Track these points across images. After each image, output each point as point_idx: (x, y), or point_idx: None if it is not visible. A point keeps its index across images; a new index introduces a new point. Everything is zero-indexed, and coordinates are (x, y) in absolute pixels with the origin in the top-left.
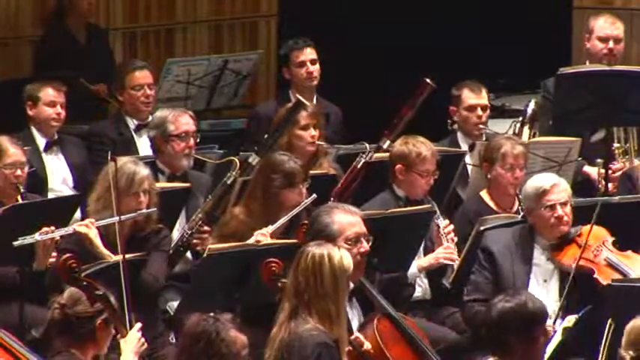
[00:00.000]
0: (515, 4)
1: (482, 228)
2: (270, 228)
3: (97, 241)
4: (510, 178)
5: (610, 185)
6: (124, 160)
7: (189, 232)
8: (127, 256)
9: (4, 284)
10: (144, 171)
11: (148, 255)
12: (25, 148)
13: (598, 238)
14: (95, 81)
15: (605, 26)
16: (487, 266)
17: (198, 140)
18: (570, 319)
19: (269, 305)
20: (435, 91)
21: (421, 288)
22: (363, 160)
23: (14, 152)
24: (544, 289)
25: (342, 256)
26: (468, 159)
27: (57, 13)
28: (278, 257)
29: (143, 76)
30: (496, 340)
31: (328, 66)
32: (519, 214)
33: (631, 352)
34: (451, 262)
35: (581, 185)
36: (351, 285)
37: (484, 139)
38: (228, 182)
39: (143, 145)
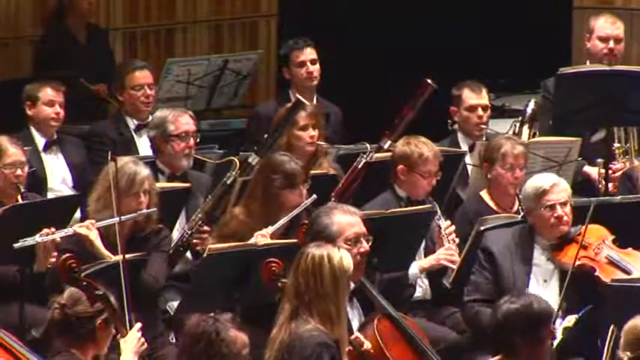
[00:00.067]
0: (515, 4)
1: (482, 228)
2: (271, 229)
3: (98, 242)
4: (510, 178)
5: (610, 185)
6: (124, 160)
7: (189, 232)
8: (127, 256)
9: (4, 284)
10: (144, 171)
11: (148, 255)
12: (25, 148)
13: (598, 236)
14: (95, 81)
15: (606, 26)
16: (487, 266)
17: (198, 140)
18: (570, 319)
19: (269, 305)
20: (435, 92)
21: (421, 288)
22: (363, 161)
23: (14, 152)
24: (544, 290)
25: (342, 257)
26: (468, 159)
27: (57, 13)
28: (278, 257)
29: (143, 76)
30: (502, 341)
31: (328, 66)
32: (519, 214)
33: (628, 353)
34: (452, 265)
35: (582, 185)
36: (352, 285)
37: (484, 139)
38: (228, 182)
39: (143, 145)
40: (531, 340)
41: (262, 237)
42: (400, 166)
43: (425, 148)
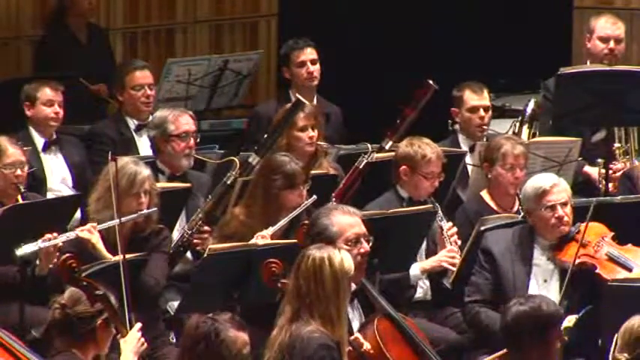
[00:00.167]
0: (515, 4)
1: (482, 228)
2: (271, 230)
3: (100, 245)
4: (511, 178)
5: (610, 185)
6: (125, 161)
7: (190, 232)
8: (127, 256)
9: (4, 284)
10: (145, 171)
11: (148, 255)
12: (25, 148)
13: (597, 234)
14: (95, 81)
15: (607, 26)
16: (487, 267)
17: (198, 140)
18: (570, 319)
19: (269, 305)
20: (436, 92)
21: (422, 289)
22: (365, 161)
23: (14, 152)
24: (544, 290)
25: (343, 259)
26: (468, 159)
27: (57, 12)
28: (278, 257)
29: (143, 76)
30: (511, 342)
31: (328, 66)
32: (520, 214)
33: (626, 355)
34: (453, 268)
35: (582, 185)
36: (353, 286)
37: (485, 139)
38: (228, 182)
39: (143, 145)
40: (540, 342)
41: (262, 238)
42: (403, 167)
43: (428, 149)
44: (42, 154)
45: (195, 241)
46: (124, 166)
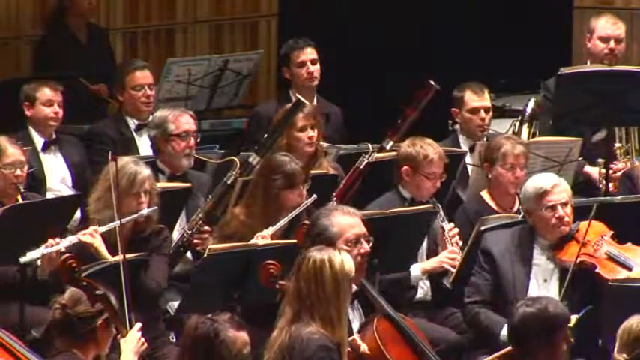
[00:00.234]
0: (515, 4)
1: (482, 228)
2: (271, 230)
3: (103, 249)
4: (511, 177)
5: (610, 185)
6: (125, 161)
7: (190, 232)
8: (128, 256)
9: (4, 284)
10: (145, 171)
11: (148, 256)
12: (25, 148)
13: (596, 232)
14: (95, 81)
15: (607, 26)
16: (487, 268)
17: (198, 140)
18: (570, 319)
19: (269, 305)
20: (437, 92)
21: (423, 290)
22: (365, 161)
23: (13, 152)
24: (544, 289)
25: (344, 260)
26: (468, 159)
27: (57, 12)
28: (278, 257)
29: (143, 76)
30: (518, 344)
31: (328, 66)
32: (520, 213)
33: (625, 355)
34: (453, 269)
35: (582, 185)
36: (354, 287)
37: (485, 139)
38: (229, 182)
39: (143, 145)
40: (547, 344)
41: (262, 238)
42: (405, 167)
43: (430, 149)
44: (41, 154)
45: (195, 241)
46: (124, 166)
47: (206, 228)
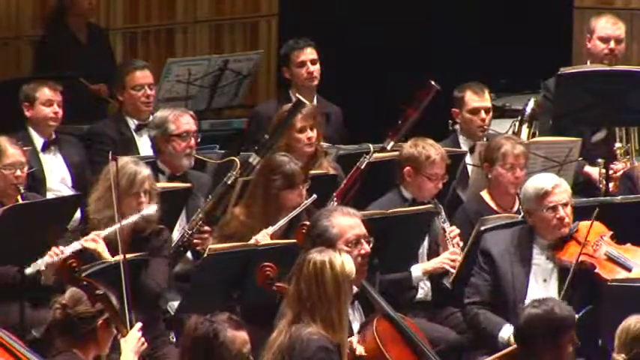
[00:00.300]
0: (515, 4)
1: (482, 228)
2: (270, 229)
3: (107, 254)
4: (511, 177)
5: (611, 185)
6: (125, 160)
7: (190, 233)
8: (128, 256)
9: (4, 284)
10: (145, 171)
11: (148, 256)
12: (25, 148)
13: (596, 233)
14: (95, 81)
15: (607, 26)
16: (486, 268)
17: (199, 140)
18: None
19: (269, 305)
20: (438, 93)
21: (423, 290)
22: (366, 161)
23: (13, 152)
24: (544, 289)
25: (344, 262)
26: (468, 159)
27: (57, 12)
28: (277, 258)
29: (143, 76)
30: (524, 345)
31: (328, 66)
32: (520, 213)
33: (623, 355)
34: (454, 270)
35: (582, 185)
36: (355, 289)
37: (485, 139)
38: (229, 182)
39: (144, 144)
40: (552, 346)
41: (263, 238)
42: (407, 168)
43: (432, 150)
44: (41, 154)
45: (195, 241)
46: (124, 165)
47: (206, 228)
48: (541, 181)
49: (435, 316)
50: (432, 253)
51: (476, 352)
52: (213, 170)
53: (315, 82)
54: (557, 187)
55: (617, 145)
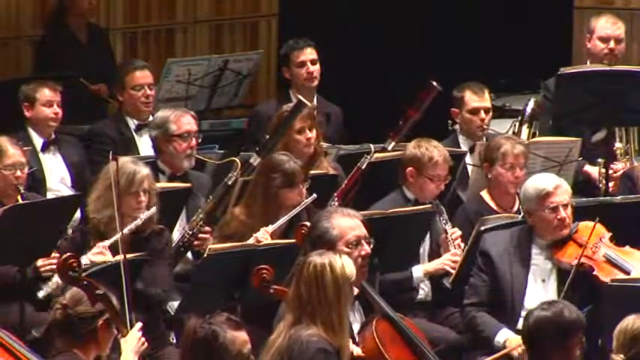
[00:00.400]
0: (515, 4)
1: (482, 228)
2: (270, 227)
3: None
4: (511, 177)
5: (611, 184)
6: (123, 160)
7: (190, 233)
8: (128, 256)
9: (5, 284)
10: (144, 170)
11: (148, 256)
12: (25, 148)
13: (595, 234)
14: (95, 81)
15: (607, 26)
16: (485, 269)
17: (200, 140)
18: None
19: (269, 305)
20: (439, 93)
21: (424, 291)
22: (367, 162)
23: (14, 153)
24: (543, 289)
25: (344, 265)
26: (468, 159)
27: (57, 12)
28: (277, 257)
29: (143, 76)
30: (532, 347)
31: (328, 66)
32: (520, 213)
33: (622, 356)
34: (454, 272)
35: (582, 185)
36: (355, 291)
37: (484, 139)
38: (230, 183)
39: (143, 145)
40: (561, 348)
41: (263, 235)
42: (409, 169)
43: (435, 151)
44: (41, 154)
45: (195, 242)
46: (123, 165)
47: (206, 228)
48: (542, 181)
49: (435, 316)
50: (434, 254)
51: (476, 352)
52: (213, 170)
53: (315, 83)
54: (558, 187)
55: (617, 145)
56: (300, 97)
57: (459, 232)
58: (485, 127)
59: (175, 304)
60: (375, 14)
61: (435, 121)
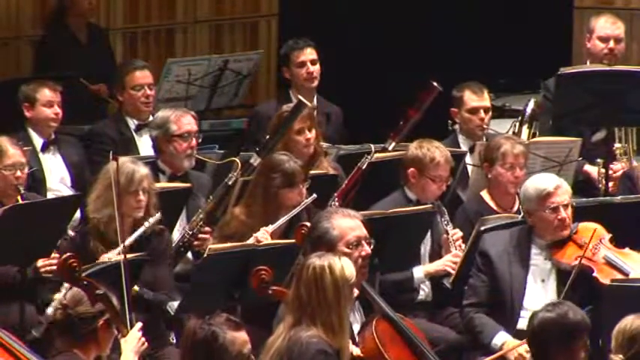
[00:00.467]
0: (515, 4)
1: (482, 228)
2: (270, 227)
3: None
4: (511, 177)
5: (610, 184)
6: (123, 160)
7: (190, 233)
8: (128, 256)
9: (4, 284)
10: (143, 170)
11: (148, 256)
12: (25, 148)
13: (595, 235)
14: (95, 81)
15: (606, 26)
16: (484, 269)
17: (200, 140)
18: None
19: (269, 305)
20: (440, 93)
21: (424, 291)
22: (367, 162)
23: (14, 153)
24: (542, 289)
25: (344, 267)
26: (468, 159)
27: (57, 12)
28: (277, 258)
29: (143, 76)
30: (537, 349)
31: (328, 66)
32: (520, 213)
33: (621, 356)
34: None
35: (582, 185)
36: (356, 292)
37: (484, 139)
38: (230, 183)
39: (143, 145)
40: (565, 350)
41: (263, 235)
42: (411, 169)
43: (437, 152)
44: (40, 154)
45: (195, 242)
46: (122, 164)
47: (206, 229)
48: (542, 181)
49: (435, 316)
50: (435, 255)
51: (476, 352)
52: (213, 170)
53: (315, 83)
54: (559, 188)
55: (617, 145)
56: (300, 97)
57: (460, 234)
58: (484, 126)
59: (175, 304)
60: (375, 14)
61: (435, 121)
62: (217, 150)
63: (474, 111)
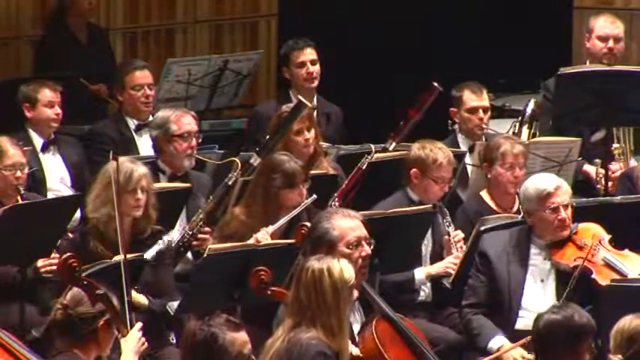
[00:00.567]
0: (515, 4)
1: (482, 228)
2: (271, 228)
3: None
4: (510, 177)
5: (610, 184)
6: (121, 159)
7: (190, 233)
8: (128, 256)
9: (4, 284)
10: (141, 169)
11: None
12: (25, 148)
13: (595, 236)
14: (95, 81)
15: (605, 25)
16: (483, 270)
17: (200, 140)
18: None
19: (269, 305)
20: (440, 94)
21: (425, 292)
22: (367, 162)
23: (14, 153)
24: (541, 289)
25: (343, 269)
26: (467, 159)
27: (57, 12)
28: (277, 258)
29: (143, 76)
30: (541, 350)
31: (328, 66)
32: (520, 213)
33: (619, 356)
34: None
35: (581, 184)
36: (356, 293)
37: (484, 139)
38: (230, 183)
39: (143, 144)
40: (570, 352)
41: (263, 236)
42: (414, 170)
43: (440, 153)
44: (40, 155)
45: (195, 242)
46: (121, 164)
47: (206, 229)
48: (542, 181)
49: (435, 316)
50: (436, 256)
51: (475, 352)
52: (213, 170)
53: (315, 83)
54: (559, 188)
55: (615, 145)
56: (300, 97)
57: (461, 235)
58: (483, 126)
59: (175, 304)
60: (375, 14)
61: (435, 121)
62: (217, 150)
63: (473, 111)
